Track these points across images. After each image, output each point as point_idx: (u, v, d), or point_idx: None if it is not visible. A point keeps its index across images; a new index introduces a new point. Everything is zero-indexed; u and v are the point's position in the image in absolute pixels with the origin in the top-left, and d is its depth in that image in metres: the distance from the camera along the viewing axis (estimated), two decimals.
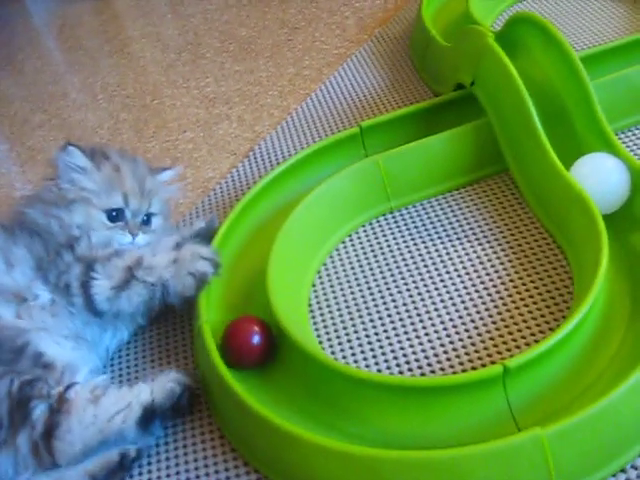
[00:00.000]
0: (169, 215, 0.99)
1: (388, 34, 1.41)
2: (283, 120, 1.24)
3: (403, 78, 1.26)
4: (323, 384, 0.74)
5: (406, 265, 0.90)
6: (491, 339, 0.79)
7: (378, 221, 0.98)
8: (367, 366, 0.79)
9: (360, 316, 0.85)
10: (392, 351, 0.80)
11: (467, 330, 0.80)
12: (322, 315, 0.87)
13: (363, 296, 0.87)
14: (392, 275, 0.89)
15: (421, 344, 0.80)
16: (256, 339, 0.79)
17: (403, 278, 0.88)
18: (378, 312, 0.85)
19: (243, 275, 0.91)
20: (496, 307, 0.82)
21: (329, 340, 0.83)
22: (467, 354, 0.78)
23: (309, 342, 0.77)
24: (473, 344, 0.79)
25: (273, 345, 0.80)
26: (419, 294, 0.86)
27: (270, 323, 0.80)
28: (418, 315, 0.83)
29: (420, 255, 0.91)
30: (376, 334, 0.82)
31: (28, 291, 0.82)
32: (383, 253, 0.93)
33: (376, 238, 0.95)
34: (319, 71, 1.35)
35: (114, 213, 0.88)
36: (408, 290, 0.87)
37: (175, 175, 1.00)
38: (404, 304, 0.85)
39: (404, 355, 0.79)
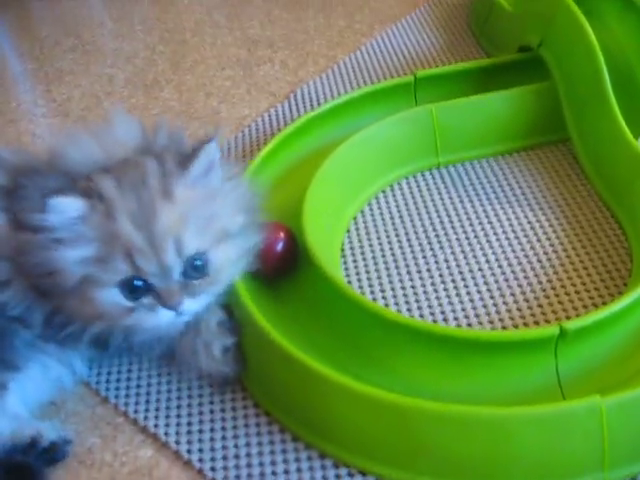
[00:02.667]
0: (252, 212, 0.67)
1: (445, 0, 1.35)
2: (329, 68, 1.17)
3: (460, 42, 1.19)
4: (350, 324, 0.68)
5: (450, 222, 0.84)
6: (539, 306, 0.72)
7: (423, 175, 0.91)
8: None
9: (397, 267, 0.79)
10: (429, 306, 0.74)
11: (512, 294, 0.74)
12: (355, 262, 0.80)
13: (401, 247, 0.81)
14: (434, 230, 0.83)
15: (460, 300, 0.74)
16: (280, 245, 0.74)
17: (446, 234, 0.82)
18: (417, 265, 0.78)
19: (276, 207, 0.83)
20: (546, 275, 0.75)
21: (360, 288, 0.77)
22: (509, 314, 0.71)
23: (339, 279, 0.70)
24: (519, 309, 0.72)
25: (295, 256, 0.75)
26: (462, 252, 0.79)
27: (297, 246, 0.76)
28: (460, 273, 0.77)
29: (466, 214, 0.84)
30: (412, 287, 0.76)
31: None
32: (426, 207, 0.86)
33: (420, 192, 0.89)
34: (370, 27, 1.28)
35: (131, 285, 0.60)
36: (451, 247, 0.80)
37: (211, 156, 0.62)
38: (445, 260, 0.79)
39: (441, 309, 0.73)
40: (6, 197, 0.65)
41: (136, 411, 0.69)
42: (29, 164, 0.68)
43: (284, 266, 0.75)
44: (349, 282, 0.78)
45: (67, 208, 0.59)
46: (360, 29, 1.28)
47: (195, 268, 0.61)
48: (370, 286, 0.77)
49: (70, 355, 0.71)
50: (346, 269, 0.80)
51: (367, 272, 0.79)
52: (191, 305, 0.62)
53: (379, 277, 0.78)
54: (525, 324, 0.71)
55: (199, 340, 0.67)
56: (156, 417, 0.68)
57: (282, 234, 0.75)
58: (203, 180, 0.63)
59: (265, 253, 0.73)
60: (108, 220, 0.59)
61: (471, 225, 0.83)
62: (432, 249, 0.80)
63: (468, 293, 0.75)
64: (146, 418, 0.68)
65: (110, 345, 0.68)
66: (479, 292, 0.74)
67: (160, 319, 0.61)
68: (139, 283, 0.60)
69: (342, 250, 0.82)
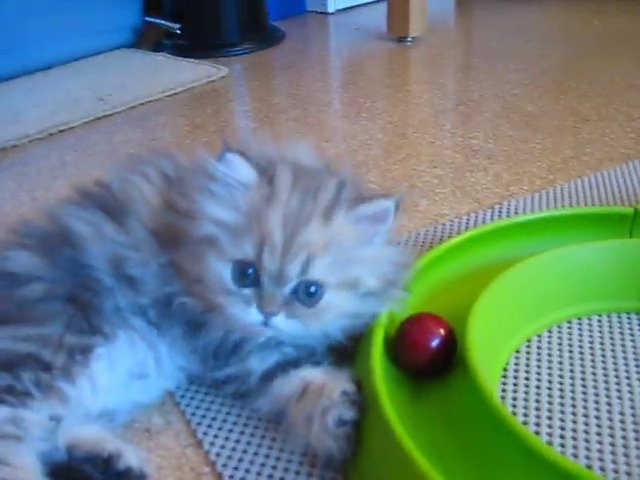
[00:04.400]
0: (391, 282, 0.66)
1: None
2: (544, 190, 1.10)
3: None
4: (490, 446, 0.58)
5: (638, 374, 0.72)
6: None
7: (619, 315, 0.80)
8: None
9: (561, 404, 0.68)
10: (586, 456, 0.62)
11: None
12: (515, 385, 0.71)
13: (573, 384, 0.70)
14: (617, 377, 0.71)
15: (627, 461, 0.61)
16: (435, 342, 0.67)
17: (630, 385, 0.70)
18: (585, 408, 0.67)
19: (443, 306, 0.76)
20: None
21: (513, 414, 0.67)
22: None
23: (493, 395, 0.61)
24: None
25: (449, 359, 0.68)
26: None
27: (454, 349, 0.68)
28: (635, 432, 0.65)
29: None
30: (573, 430, 0.65)
31: None
32: (613, 351, 0.75)
33: (610, 332, 0.78)
34: (599, 161, 1.20)
35: (244, 270, 0.61)
36: (631, 400, 0.68)
37: (385, 210, 0.62)
38: (621, 412, 0.67)
39: (601, 462, 0.61)
40: (167, 184, 0.70)
41: (224, 465, 0.64)
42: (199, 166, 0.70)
43: (433, 365, 0.68)
44: (502, 404, 0.68)
45: (239, 170, 0.63)
46: (587, 161, 1.20)
47: (307, 294, 0.61)
48: (525, 415, 0.67)
49: (156, 339, 0.69)
50: (503, 390, 0.70)
51: (525, 400, 0.69)
52: (281, 323, 0.61)
53: (538, 408, 0.68)
54: None
55: (317, 404, 0.61)
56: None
57: (442, 331, 0.68)
58: (365, 226, 0.62)
59: (417, 345, 0.68)
60: (265, 204, 0.61)
61: None
62: (608, 396, 0.69)
63: (638, 457, 0.62)
64: (231, 477, 0.63)
65: (202, 340, 0.66)
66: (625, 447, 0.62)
67: (247, 317, 0.61)
68: (251, 272, 0.60)
69: (505, 369, 0.73)
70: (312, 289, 0.61)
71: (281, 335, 0.64)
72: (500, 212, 1.04)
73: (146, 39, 2.16)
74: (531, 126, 1.37)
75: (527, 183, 1.14)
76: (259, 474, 0.63)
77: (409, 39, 2.03)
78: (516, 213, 1.03)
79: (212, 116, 1.53)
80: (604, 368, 0.73)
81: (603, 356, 0.74)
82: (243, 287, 0.61)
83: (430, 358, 0.67)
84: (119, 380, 0.68)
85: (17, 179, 1.28)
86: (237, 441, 0.67)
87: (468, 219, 1.03)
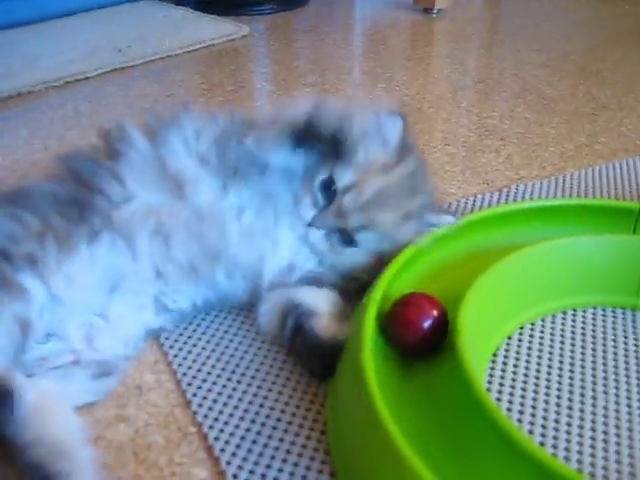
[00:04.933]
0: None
1: None
2: (553, 176, 1.10)
3: None
4: (472, 434, 0.59)
5: (626, 370, 0.72)
6: None
7: (614, 311, 0.80)
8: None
9: (547, 394, 0.69)
10: (566, 448, 0.63)
11: None
12: (503, 371, 0.72)
13: (561, 375, 0.71)
14: (605, 372, 0.72)
15: (605, 456, 0.62)
16: (428, 322, 0.67)
17: (617, 381, 0.71)
18: (570, 400, 0.68)
19: (439, 289, 0.77)
20: None
21: (498, 400, 0.68)
22: None
23: (479, 384, 0.62)
24: None
25: (440, 340, 0.68)
26: (628, 407, 0.68)
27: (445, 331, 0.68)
28: (617, 427, 0.65)
29: None
30: (556, 420, 0.66)
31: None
32: (605, 345, 0.75)
33: (603, 326, 0.78)
34: (613, 152, 1.19)
35: (330, 187, 0.74)
36: (617, 396, 0.69)
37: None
38: (605, 407, 0.67)
39: (579, 455, 0.62)
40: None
41: (211, 427, 0.65)
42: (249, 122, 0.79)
43: (424, 345, 0.68)
44: (488, 390, 0.69)
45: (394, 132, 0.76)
46: (601, 150, 1.19)
47: (350, 241, 0.74)
48: (510, 402, 0.68)
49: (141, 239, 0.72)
50: (490, 375, 0.71)
51: (512, 387, 0.70)
52: (316, 237, 0.74)
53: (523, 396, 0.68)
54: None
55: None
56: (226, 442, 0.64)
57: (435, 312, 0.68)
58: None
59: (410, 324, 0.68)
60: (383, 168, 0.74)
61: None
62: (594, 390, 0.70)
63: (616, 452, 0.63)
64: (216, 439, 0.64)
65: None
66: (631, 456, 0.63)
67: (303, 207, 0.74)
68: (332, 194, 0.73)
69: (495, 355, 0.74)
70: (354, 243, 0.74)
71: (304, 244, 0.75)
72: (507, 196, 1.04)
73: None
74: (548, 110, 1.36)
75: (538, 168, 1.13)
76: (243, 438, 0.64)
77: (434, 11, 2.00)
78: (523, 198, 1.03)
79: (230, 75, 1.52)
80: (593, 362, 0.73)
81: (593, 349, 0.75)
82: (321, 191, 0.73)
83: (422, 338, 0.68)
84: (100, 282, 0.70)
85: (31, 126, 1.28)
86: (225, 404, 0.68)
87: (475, 200, 1.03)
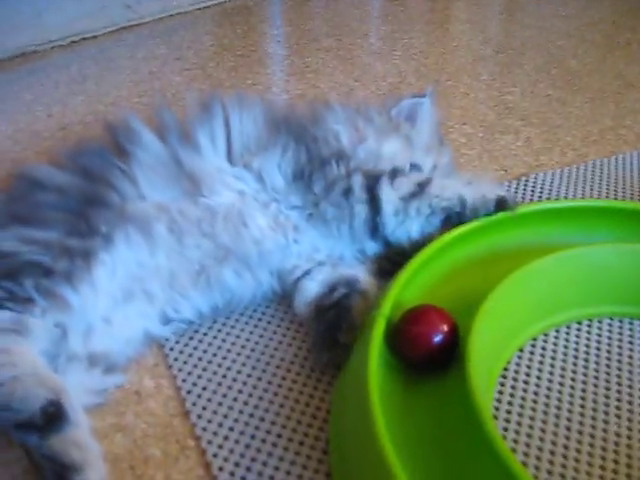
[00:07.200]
0: None
1: None
2: (575, 165, 1.05)
3: None
4: (474, 460, 0.57)
5: None
6: None
7: (631, 322, 0.77)
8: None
9: (557, 415, 0.66)
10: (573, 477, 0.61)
11: None
12: (513, 388, 0.69)
13: (572, 395, 0.69)
14: (619, 393, 0.69)
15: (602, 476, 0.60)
16: (438, 338, 0.65)
17: (630, 403, 0.68)
18: (581, 424, 0.66)
19: (448, 295, 0.74)
20: None
21: (507, 421, 0.66)
22: None
23: (485, 408, 0.59)
24: None
25: (450, 357, 0.65)
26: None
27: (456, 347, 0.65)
28: (616, 452, 0.63)
29: None
30: (565, 446, 0.63)
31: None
32: (619, 361, 0.73)
33: (619, 340, 0.75)
34: (637, 138, 1.14)
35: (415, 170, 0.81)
36: (629, 420, 0.66)
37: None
38: (617, 434, 0.65)
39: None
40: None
41: (209, 442, 0.64)
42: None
43: (433, 361, 0.66)
44: (497, 408, 0.67)
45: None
46: (625, 135, 1.15)
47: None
48: (518, 424, 0.66)
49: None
50: (500, 392, 0.69)
51: (521, 406, 0.67)
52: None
53: (532, 417, 0.66)
54: None
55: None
56: (225, 460, 0.62)
57: (445, 327, 0.65)
58: None
59: (419, 340, 0.65)
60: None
61: None
62: (606, 413, 0.67)
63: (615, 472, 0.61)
64: (215, 456, 0.63)
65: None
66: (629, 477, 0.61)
67: (379, 187, 0.74)
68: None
69: (506, 369, 0.71)
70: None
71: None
72: (525, 186, 1.00)
73: None
74: (571, 86, 1.30)
75: (558, 154, 1.09)
76: (242, 456, 0.62)
77: None
78: (542, 189, 0.99)
79: (241, 37, 1.47)
80: (607, 380, 0.70)
81: (607, 365, 0.72)
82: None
83: (430, 354, 0.65)
84: (120, 287, 0.70)
85: (34, 90, 1.24)
86: (225, 416, 0.66)
87: None
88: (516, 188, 0.99)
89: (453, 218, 0.75)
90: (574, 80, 1.33)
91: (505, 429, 0.65)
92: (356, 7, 1.66)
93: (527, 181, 1.01)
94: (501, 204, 0.76)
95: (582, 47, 1.48)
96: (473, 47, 1.47)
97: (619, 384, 0.70)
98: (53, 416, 0.58)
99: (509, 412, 0.67)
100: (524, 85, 1.30)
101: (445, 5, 1.71)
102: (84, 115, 1.15)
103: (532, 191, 0.99)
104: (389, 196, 0.74)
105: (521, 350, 0.73)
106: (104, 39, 1.44)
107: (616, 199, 0.98)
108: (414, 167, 0.82)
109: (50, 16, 1.48)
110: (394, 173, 0.76)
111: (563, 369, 0.72)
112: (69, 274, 0.66)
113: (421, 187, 0.75)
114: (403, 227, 0.75)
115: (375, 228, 0.75)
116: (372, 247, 0.78)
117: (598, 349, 0.74)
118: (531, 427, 0.65)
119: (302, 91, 1.24)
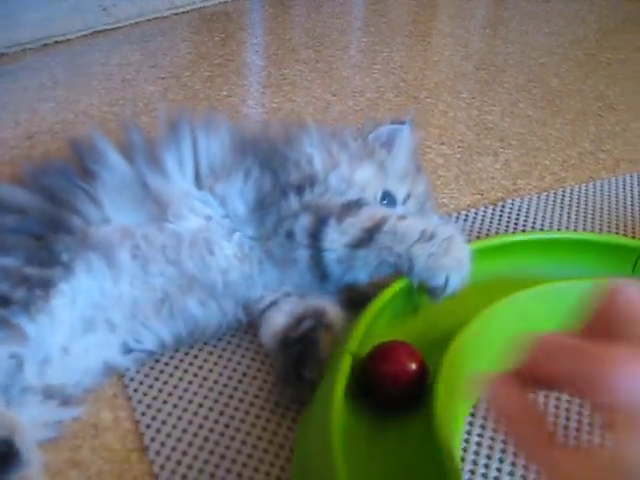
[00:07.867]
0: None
1: None
2: (553, 190, 1.04)
3: None
4: None
5: None
6: None
7: None
8: None
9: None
10: None
11: None
12: (483, 427, 0.67)
13: None
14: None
15: None
16: (405, 377, 0.63)
17: None
18: None
19: (417, 328, 0.72)
20: None
21: (474, 463, 0.64)
22: None
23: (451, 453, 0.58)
24: None
25: (415, 397, 0.63)
26: None
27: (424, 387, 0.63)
28: None
29: None
30: None
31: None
32: None
33: None
34: (616, 162, 1.13)
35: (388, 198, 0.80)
36: None
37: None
38: None
39: None
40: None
41: None
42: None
43: (399, 401, 0.64)
44: (464, 449, 0.65)
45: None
46: (603, 160, 1.13)
47: None
48: (486, 466, 0.64)
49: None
50: (468, 432, 0.67)
51: (490, 447, 0.65)
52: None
53: (501, 460, 0.64)
54: None
55: None
56: None
57: (414, 366, 0.63)
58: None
59: (386, 377, 0.63)
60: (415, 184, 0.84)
61: None
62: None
63: None
64: None
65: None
66: None
67: (323, 232, 0.68)
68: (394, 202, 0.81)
69: (475, 407, 0.69)
70: None
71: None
72: (502, 211, 0.98)
73: None
74: (552, 107, 1.29)
75: (536, 178, 1.07)
76: None
77: None
78: (518, 214, 0.97)
79: (219, 45, 1.44)
80: (580, 411, 0.69)
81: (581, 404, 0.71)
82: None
83: (398, 393, 0.63)
84: (80, 317, 0.67)
85: (1, 96, 1.20)
86: (184, 453, 0.64)
87: (467, 215, 0.97)
88: (492, 214, 0.97)
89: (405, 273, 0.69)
90: (555, 100, 1.32)
91: (472, 472, 0.63)
92: (337, 17, 1.63)
93: (503, 207, 0.99)
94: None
95: (565, 65, 1.47)
96: (454, 62, 1.45)
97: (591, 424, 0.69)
98: (5, 455, 0.55)
99: (477, 453, 0.65)
100: (504, 104, 1.29)
101: (428, 17, 1.70)
102: (53, 124, 1.12)
103: (508, 218, 0.97)
104: (333, 243, 0.68)
105: None
106: (78, 43, 1.40)
107: (592, 229, 0.96)
108: (386, 195, 0.80)
109: (22, 17, 1.44)
110: (348, 209, 0.69)
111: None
112: (27, 304, 0.64)
113: (370, 234, 0.68)
114: (350, 274, 0.70)
115: (322, 273, 0.71)
116: (330, 286, 0.74)
117: None
118: (499, 470, 0.63)
119: (278, 105, 1.22)
